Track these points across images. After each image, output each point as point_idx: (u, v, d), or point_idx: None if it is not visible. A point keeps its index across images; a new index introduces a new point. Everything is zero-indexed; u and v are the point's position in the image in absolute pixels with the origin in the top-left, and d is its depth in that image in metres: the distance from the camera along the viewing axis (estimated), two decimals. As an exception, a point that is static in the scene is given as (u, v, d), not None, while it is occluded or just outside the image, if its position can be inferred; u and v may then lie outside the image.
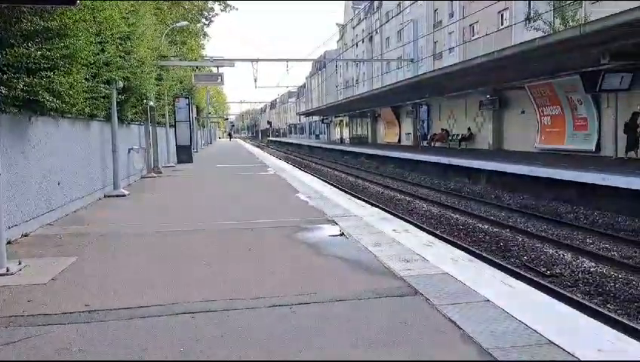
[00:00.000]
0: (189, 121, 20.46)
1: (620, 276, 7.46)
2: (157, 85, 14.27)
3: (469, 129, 28.83)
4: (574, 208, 12.75)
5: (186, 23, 20.93)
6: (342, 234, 5.99)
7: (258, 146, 59.17)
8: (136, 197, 10.19)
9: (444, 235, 9.85)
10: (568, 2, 22.52)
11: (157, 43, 15.29)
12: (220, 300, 3.78)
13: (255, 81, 27.81)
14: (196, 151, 28.31)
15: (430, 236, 6.28)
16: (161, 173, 15.09)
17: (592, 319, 3.48)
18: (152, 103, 13.96)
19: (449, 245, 6.08)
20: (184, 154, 19.88)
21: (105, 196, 9.82)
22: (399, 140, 40.39)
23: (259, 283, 4.22)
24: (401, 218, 9.69)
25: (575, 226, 10.93)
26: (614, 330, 3.28)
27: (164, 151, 18.66)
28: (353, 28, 66.75)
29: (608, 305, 6.41)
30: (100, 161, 9.79)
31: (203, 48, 28.41)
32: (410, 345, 2.99)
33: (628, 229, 10.50)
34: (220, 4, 23.78)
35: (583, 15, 22.62)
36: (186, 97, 20.54)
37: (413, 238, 5.78)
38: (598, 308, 6.04)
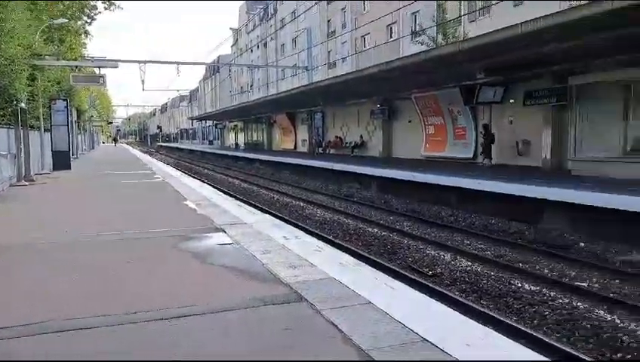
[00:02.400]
0: (68, 124, 19.00)
1: (492, 273, 8.09)
2: (29, 85, 13.08)
3: (361, 137, 29.86)
4: (454, 211, 13.67)
5: (64, 20, 19.43)
6: (230, 243, 5.85)
7: (147, 152, 56.61)
8: (3, 207, 9.21)
9: (335, 240, 10.05)
10: (449, 20, 24.24)
11: (30, 40, 14.01)
12: (92, 317, 3.50)
13: (143, 83, 26.52)
14: (76, 158, 26.40)
15: (320, 241, 6.35)
16: (33, 180, 13.81)
17: (463, 316, 3.72)
18: (23, 105, 12.75)
19: (338, 250, 6.20)
20: (61, 160, 18.42)
21: (-36, 207, 8.77)
22: (295, 147, 40.79)
23: (138, 296, 3.98)
24: (293, 224, 9.73)
25: (455, 228, 11.71)
26: (483, 326, 3.52)
27: (38, 157, 17.13)
28: (248, 33, 66.47)
29: (482, 301, 6.91)
30: (-42, 167, 8.73)
31: (84, 47, 26.57)
32: (294, 350, 2.99)
33: (499, 230, 11.46)
34: (103, 2, 22.42)
35: (462, 32, 24.51)
36: (64, 99, 19.04)
37: (303, 244, 5.81)
38: (472, 304, 6.48)
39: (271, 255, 5.18)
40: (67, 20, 19.72)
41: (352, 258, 5.50)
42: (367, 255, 8.84)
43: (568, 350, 5.09)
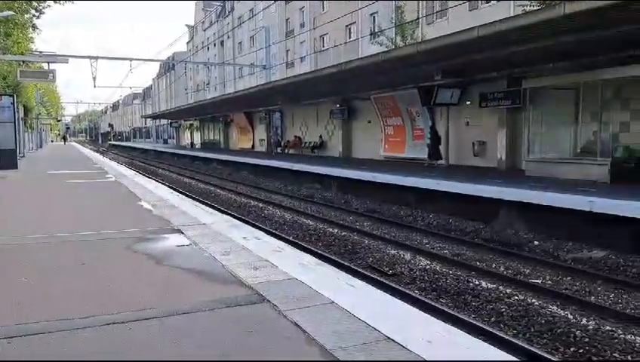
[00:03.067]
0: (14, 121, 18.12)
1: (450, 272, 8.22)
2: (-27, 79, 12.36)
3: (320, 137, 29.89)
4: (413, 211, 13.85)
5: (10, 12, 18.52)
6: (188, 244, 5.69)
7: (98, 151, 54.90)
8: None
9: (296, 240, 9.98)
10: (408, 22, 24.59)
11: (-27, 31, 13.26)
12: (43, 321, 3.30)
13: (94, 80, 25.63)
14: (23, 156, 25.26)
15: (281, 242, 6.27)
16: (-22, 179, 13.09)
17: (424, 313, 3.74)
18: (-34, 100, 12.05)
19: (299, 250, 6.13)
20: (7, 158, 17.54)
21: None
22: (253, 146, 40.46)
23: (92, 300, 3.79)
24: (252, 224, 9.60)
25: (414, 228, 11.86)
26: (444, 323, 3.54)
27: (-18, 156, 16.26)
28: (204, 30, 65.47)
29: (441, 299, 7.00)
30: None
31: (32, 42, 25.41)
32: (256, 352, 2.92)
33: (456, 229, 11.68)
34: (52, -6, 21.46)
35: (420, 34, 24.90)
36: (10, 95, 18.15)
37: (263, 245, 5.71)
38: (432, 302, 6.56)
39: (231, 256, 5.06)
40: (13, 13, 18.80)
41: (314, 258, 5.46)
42: (328, 255, 8.82)
43: (524, 346, 5.20)
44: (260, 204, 16.20)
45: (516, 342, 5.30)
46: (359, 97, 24.61)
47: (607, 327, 5.86)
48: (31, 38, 23.88)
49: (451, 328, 3.42)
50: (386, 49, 21.33)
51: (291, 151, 32.53)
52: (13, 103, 17.79)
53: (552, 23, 10.55)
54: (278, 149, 34.28)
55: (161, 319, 3.41)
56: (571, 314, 6.32)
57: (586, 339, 5.56)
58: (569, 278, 7.89)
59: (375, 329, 3.14)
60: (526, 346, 5.19)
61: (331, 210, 14.88)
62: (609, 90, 13.45)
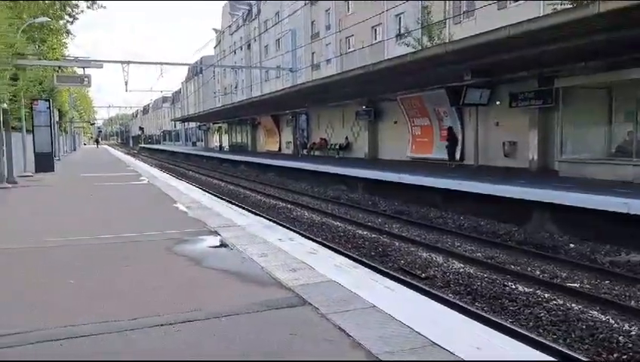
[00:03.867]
0: (50, 125, 18.64)
1: (485, 275, 8.11)
2: (11, 86, 12.78)
3: (346, 138, 29.86)
4: (443, 213, 13.71)
5: (46, 18, 19.06)
6: (226, 245, 5.76)
7: (129, 153, 55.94)
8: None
9: (327, 243, 9.99)
10: (435, 22, 24.38)
11: (11, 39, 13.70)
12: (93, 323, 3.39)
13: (126, 84, 26.12)
14: (58, 159, 25.94)
15: (314, 243, 6.29)
16: (16, 183, 13.51)
17: (466, 317, 3.69)
18: (5, 106, 12.47)
19: (332, 252, 6.14)
20: (44, 162, 18.06)
21: (-55, 210, 8.52)
22: (279, 148, 40.67)
23: (138, 302, 3.87)
24: (285, 226, 9.65)
25: (444, 230, 11.74)
26: (487, 327, 3.50)
27: (20, 159, 16.77)
28: (231, 34, 66.11)
29: (477, 303, 6.91)
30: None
31: (66, 47, 26.09)
32: (301, 355, 2.92)
33: (488, 232, 11.52)
34: (85, 1, 22.03)
35: (447, 34, 24.66)
36: (46, 100, 18.68)
37: (298, 246, 5.74)
38: (468, 306, 6.48)
39: (268, 257, 5.11)
40: (49, 19, 19.35)
41: (348, 260, 5.46)
42: (362, 258, 8.79)
43: (569, 352, 5.11)
44: (289, 206, 16.28)
45: (560, 348, 5.20)
46: (386, 98, 24.49)
47: (652, 333, 5.71)
48: (65, 43, 24.59)
49: (496, 333, 3.38)
50: (413, 50, 21.20)
51: (317, 152, 32.57)
52: (49, 108, 18.29)
53: (585, 21, 10.33)
54: (304, 151, 34.36)
55: (206, 321, 3.46)
56: (612, 319, 6.17)
57: (630, 345, 5.43)
58: (607, 282, 7.71)
59: (420, 334, 3.11)
60: (571, 353, 5.10)
61: (359, 211, 14.85)
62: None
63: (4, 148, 12.91)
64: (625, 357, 5.21)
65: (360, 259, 8.47)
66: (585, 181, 12.75)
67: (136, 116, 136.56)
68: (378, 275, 5.03)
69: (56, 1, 20.86)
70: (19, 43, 15.05)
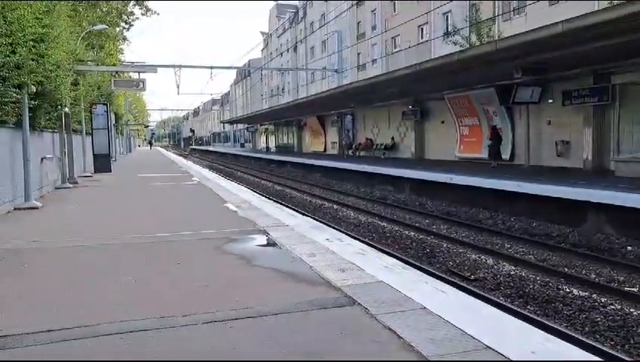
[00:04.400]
0: (108, 128, 19.49)
1: (537, 278, 7.90)
2: (73, 91, 13.45)
3: (392, 138, 29.66)
4: (492, 214, 13.42)
5: (104, 26, 19.95)
6: (275, 245, 5.88)
7: (180, 155, 57.56)
8: (51, 209, 9.48)
9: (375, 243, 9.99)
10: (484, 20, 23.87)
11: (73, 46, 14.43)
12: (150, 319, 3.54)
13: (178, 87, 26.95)
14: (115, 160, 27.02)
15: (362, 244, 6.32)
16: (77, 183, 14.19)
17: (519, 321, 3.62)
18: (67, 110, 13.14)
19: (380, 253, 6.14)
20: (102, 163, 18.89)
21: (15, 209, 9.06)
22: (325, 149, 40.83)
23: (191, 298, 4.02)
24: (333, 227, 9.71)
25: (494, 232, 11.49)
26: (542, 331, 3.41)
27: (81, 160, 17.62)
28: (278, 37, 66.91)
29: (529, 307, 6.75)
30: (9, 170, 9.02)
31: (122, 53, 27.21)
32: (351, 355, 2.94)
33: (541, 233, 11.19)
34: (140, 8, 22.91)
35: (496, 31, 24.10)
36: (104, 104, 19.56)
37: (346, 247, 5.78)
38: (521, 310, 6.34)
39: (317, 257, 5.17)
40: (106, 27, 20.24)
41: (396, 261, 5.45)
42: (411, 260, 8.74)
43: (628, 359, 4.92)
44: (335, 206, 16.36)
45: (618, 354, 5.02)
46: (432, 98, 24.19)
47: None
48: (121, 49, 25.67)
49: (550, 337, 3.30)
50: (461, 48, 20.84)
51: (362, 153, 32.50)
52: (106, 111, 19.13)
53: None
54: (350, 152, 34.37)
55: (257, 319, 3.54)
56: (675, 326, 5.89)
57: (695, 354, 5.18)
58: (670, 287, 7.36)
59: (472, 337, 3.07)
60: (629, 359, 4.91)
61: (405, 212, 14.74)
62: None
63: (66, 149, 13.60)
64: (689, 366, 4.97)
65: (409, 260, 8.42)
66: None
67: (187, 118, 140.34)
68: (428, 276, 4.99)
69: (113, 10, 21.82)
70: (79, 50, 15.83)
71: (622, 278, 7.86)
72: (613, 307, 6.55)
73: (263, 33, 73.07)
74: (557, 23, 11.71)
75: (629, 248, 9.55)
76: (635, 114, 14.16)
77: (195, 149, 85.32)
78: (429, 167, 19.71)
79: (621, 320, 6.09)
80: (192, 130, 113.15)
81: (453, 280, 7.46)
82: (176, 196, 11.72)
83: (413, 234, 11.62)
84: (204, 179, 15.83)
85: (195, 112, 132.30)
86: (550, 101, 17.53)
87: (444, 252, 9.78)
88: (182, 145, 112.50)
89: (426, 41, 32.67)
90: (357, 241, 6.63)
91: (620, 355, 5.03)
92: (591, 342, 5.27)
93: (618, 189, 10.85)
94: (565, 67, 15.16)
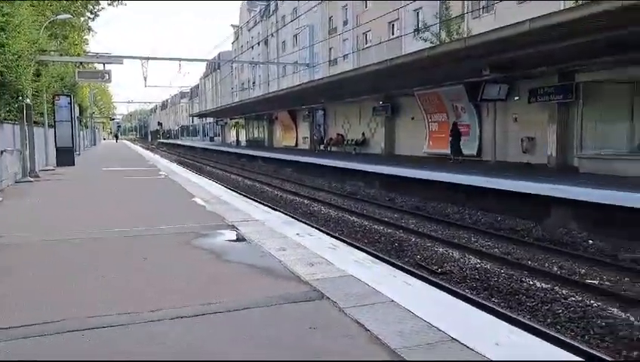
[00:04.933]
0: (71, 120, 18.96)
1: (502, 271, 8.08)
2: (35, 81, 13.03)
3: (363, 134, 29.81)
4: (460, 209, 13.65)
5: (68, 15, 19.35)
6: (244, 240, 5.83)
7: (148, 148, 56.54)
8: (11, 203, 9.18)
9: (344, 238, 10.03)
10: (454, 17, 24.17)
11: (35, 35, 13.96)
12: (115, 314, 3.47)
13: (145, 80, 26.43)
14: (79, 154, 26.36)
15: (332, 239, 6.34)
16: (38, 177, 13.78)
17: (485, 313, 3.70)
18: (28, 101, 12.72)
19: (350, 247, 6.18)
20: (65, 156, 18.39)
21: (-28, 203, 8.74)
22: (296, 144, 40.76)
23: (158, 294, 3.95)
24: (303, 222, 9.70)
25: (461, 226, 11.69)
26: (506, 324, 3.49)
27: (43, 153, 17.10)
28: (249, 30, 66.30)
29: (494, 299, 6.90)
30: (-35, 163, 8.70)
31: (87, 43, 26.48)
32: (320, 349, 2.95)
33: (506, 228, 11.44)
34: (106, -1, 22.33)
35: (465, 29, 24.44)
36: (67, 95, 19.00)
37: (317, 242, 5.78)
38: (486, 302, 6.47)
39: (287, 252, 5.16)
40: (70, 16, 19.65)
41: (366, 255, 5.49)
42: (381, 254, 8.81)
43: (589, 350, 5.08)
44: (306, 201, 16.35)
45: (578, 345, 5.18)
46: (403, 94, 24.39)
47: (674, 332, 5.64)
48: (85, 39, 24.96)
49: (514, 329, 3.38)
50: (431, 45, 21.06)
51: (334, 148, 32.57)
52: (70, 103, 18.60)
53: (609, 16, 10.16)
54: (321, 147, 34.41)
55: (226, 314, 3.52)
56: (633, 316, 6.10)
57: (651, 343, 5.38)
58: (628, 279, 7.61)
59: (439, 329, 3.13)
60: (589, 350, 5.07)
61: (375, 207, 14.85)
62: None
63: (27, 142, 13.17)
64: (646, 355, 5.16)
65: (378, 254, 8.48)
66: (605, 177, 12.57)
67: (155, 111, 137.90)
68: (397, 270, 5.05)
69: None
70: (41, 39, 15.32)
71: (583, 271, 8.10)
72: (574, 299, 6.75)
73: (233, 26, 72.29)
74: (523, 21, 11.95)
75: (591, 242, 9.85)
76: (598, 111, 14.61)
77: (162, 143, 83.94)
78: (399, 162, 19.90)
79: (581, 312, 6.28)
80: (159, 124, 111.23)
81: (421, 273, 7.56)
82: (143, 190, 11.51)
83: (382, 228, 11.72)
84: (172, 173, 15.61)
85: (163, 105, 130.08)
86: (517, 98, 17.91)
87: (412, 246, 9.90)
88: (149, 139, 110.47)
89: (397, 37, 32.89)
90: (327, 236, 6.65)
91: (577, 344, 5.18)
92: (553, 333, 5.42)
93: (581, 185, 11.18)
94: (531, 65, 15.49)
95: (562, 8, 12.76)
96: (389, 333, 3.08)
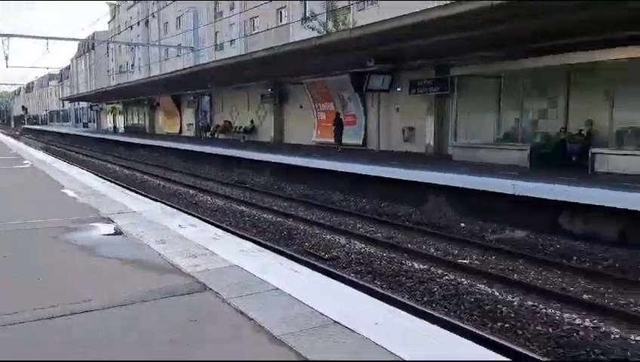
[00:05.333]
0: None
1: (384, 255, 8.44)
2: None
3: (251, 121, 29.50)
4: (346, 196, 14.05)
5: None
6: (121, 233, 5.44)
7: (10, 135, 51.16)
8: None
9: (231, 228, 9.84)
10: (340, 8, 24.62)
11: None
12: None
13: (6, 59, 23.66)
14: None
15: (218, 229, 6.16)
16: None
17: (367, 295, 3.81)
18: None
19: (237, 237, 6.04)
20: None
21: None
22: (180, 131, 39.31)
23: (25, 293, 3.55)
24: (186, 212, 9.35)
25: (347, 213, 12.05)
26: (386, 304, 3.63)
27: None
28: (127, 9, 62.27)
29: (376, 281, 7.19)
30: None
31: None
32: (204, 341, 2.86)
33: (389, 213, 12.00)
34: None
35: (351, 20, 25.05)
36: None
37: (201, 233, 5.58)
38: (369, 285, 6.71)
39: (167, 244, 4.90)
40: None
41: (253, 244, 5.40)
42: (266, 242, 8.76)
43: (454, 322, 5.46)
44: (191, 191, 15.81)
45: (448, 319, 5.55)
46: (291, 82, 24.49)
47: (530, 303, 6.27)
48: None
49: (395, 309, 3.51)
50: (318, 34, 21.32)
51: (221, 136, 31.86)
52: None
53: (479, 13, 10.95)
54: (207, 134, 33.49)
55: (102, 311, 3.27)
56: (497, 291, 6.69)
57: (512, 314, 5.93)
58: (494, 258, 8.34)
59: (322, 314, 3.16)
60: (460, 324, 5.46)
61: (265, 196, 14.79)
62: (528, 79, 14.26)
63: None
64: (507, 325, 5.67)
65: (266, 243, 8.43)
66: (476, 165, 13.64)
67: (19, 94, 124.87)
68: (284, 258, 5.03)
69: None
70: None
71: (456, 251, 8.74)
72: (447, 278, 7.25)
73: (109, 3, 67.39)
74: (404, 16, 12.50)
75: (463, 224, 10.67)
76: (470, 104, 15.80)
77: (28, 129, 76.38)
78: (288, 151, 19.99)
79: (454, 289, 6.76)
80: (24, 108, 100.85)
81: (308, 260, 7.65)
82: (4, 182, 10.32)
83: (271, 217, 11.70)
84: (39, 163, 14.23)
85: (29, 88, 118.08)
86: (399, 90, 18.78)
87: (301, 234, 10.00)
88: (12, 125, 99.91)
89: (285, 24, 32.86)
90: (212, 226, 6.45)
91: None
92: (427, 310, 5.77)
93: (454, 172, 12.03)
94: (411, 58, 16.32)
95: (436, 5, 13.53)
96: (273, 321, 3.06)
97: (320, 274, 4.43)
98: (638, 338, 5.26)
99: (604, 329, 5.50)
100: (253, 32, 36.68)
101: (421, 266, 7.79)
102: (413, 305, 5.92)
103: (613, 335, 5.34)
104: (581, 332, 5.43)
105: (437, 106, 17.39)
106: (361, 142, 20.93)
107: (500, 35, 12.42)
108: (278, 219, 11.37)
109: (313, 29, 23.85)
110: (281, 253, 6.57)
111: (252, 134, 29.25)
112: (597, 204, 8.85)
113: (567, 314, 5.88)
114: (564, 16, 10.59)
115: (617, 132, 12.36)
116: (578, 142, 12.63)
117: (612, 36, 11.17)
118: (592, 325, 5.59)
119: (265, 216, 11.82)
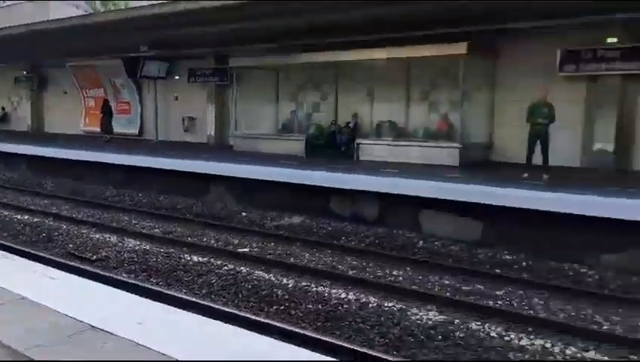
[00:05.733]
0: None
1: (161, 250, 8.08)
2: None
3: (2, 108, 25.38)
4: (120, 191, 13.07)
5: None
6: None
7: None
8: None
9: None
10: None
11: None
12: None
13: None
14: None
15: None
16: None
17: (133, 295, 3.58)
18: None
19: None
20: None
21: None
22: None
23: None
24: None
25: (121, 209, 11.23)
26: (157, 303, 3.45)
27: None
28: None
29: (152, 279, 6.83)
30: None
31: None
32: None
33: (168, 207, 11.54)
34: None
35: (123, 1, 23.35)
36: None
37: None
38: (140, 283, 6.35)
39: None
40: None
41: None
42: (17, 247, 7.59)
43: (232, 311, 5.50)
44: None
45: (220, 307, 5.57)
46: (53, 65, 21.77)
47: (304, 283, 6.66)
48: None
49: (167, 307, 3.34)
50: (85, 13, 19.34)
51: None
52: None
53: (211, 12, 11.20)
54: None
55: None
56: (274, 276, 6.95)
57: (287, 296, 6.23)
58: (272, 244, 8.64)
59: (79, 320, 2.84)
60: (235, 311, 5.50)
61: (19, 193, 12.90)
62: (303, 74, 15.16)
63: None
64: (282, 307, 5.93)
65: (16, 247, 7.30)
66: (257, 155, 13.92)
67: None
68: (39, 264, 4.43)
69: None
70: None
71: (236, 241, 8.82)
72: (227, 268, 7.27)
73: None
74: (179, 1, 12.05)
75: (244, 214, 10.84)
76: (250, 95, 16.06)
77: None
78: (51, 141, 17.69)
79: (233, 279, 6.81)
80: None
81: (70, 263, 6.87)
82: None
83: (27, 217, 10.26)
84: None
85: None
86: (177, 77, 18.11)
87: (63, 234, 8.99)
88: None
89: (44, -1, 28.94)
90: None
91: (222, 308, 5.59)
92: (199, 301, 5.72)
93: (234, 162, 12.11)
94: (190, 45, 15.83)
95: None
96: (16, 334, 2.66)
97: (81, 278, 4.03)
98: (389, 304, 6.01)
99: (364, 299, 6.14)
100: (5, 5, 31.49)
101: (200, 259, 7.66)
102: (187, 298, 5.77)
103: (370, 304, 6.00)
104: (345, 306, 5.97)
105: (217, 96, 17.28)
106: (137, 132, 19.67)
107: (277, 30, 12.88)
108: (36, 220, 10.02)
109: (78, 7, 21.57)
110: (35, 258, 5.76)
111: (4, 123, 25.14)
112: (359, 188, 9.87)
113: (334, 291, 6.40)
114: (321, 16, 11.39)
115: (377, 125, 13.96)
116: (346, 133, 13.88)
117: (380, 37, 12.31)
118: (354, 298, 6.19)
119: (19, 216, 10.30)
